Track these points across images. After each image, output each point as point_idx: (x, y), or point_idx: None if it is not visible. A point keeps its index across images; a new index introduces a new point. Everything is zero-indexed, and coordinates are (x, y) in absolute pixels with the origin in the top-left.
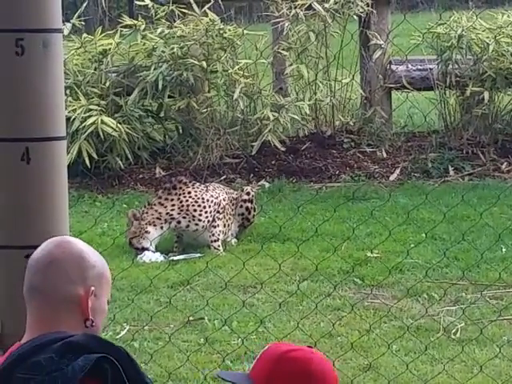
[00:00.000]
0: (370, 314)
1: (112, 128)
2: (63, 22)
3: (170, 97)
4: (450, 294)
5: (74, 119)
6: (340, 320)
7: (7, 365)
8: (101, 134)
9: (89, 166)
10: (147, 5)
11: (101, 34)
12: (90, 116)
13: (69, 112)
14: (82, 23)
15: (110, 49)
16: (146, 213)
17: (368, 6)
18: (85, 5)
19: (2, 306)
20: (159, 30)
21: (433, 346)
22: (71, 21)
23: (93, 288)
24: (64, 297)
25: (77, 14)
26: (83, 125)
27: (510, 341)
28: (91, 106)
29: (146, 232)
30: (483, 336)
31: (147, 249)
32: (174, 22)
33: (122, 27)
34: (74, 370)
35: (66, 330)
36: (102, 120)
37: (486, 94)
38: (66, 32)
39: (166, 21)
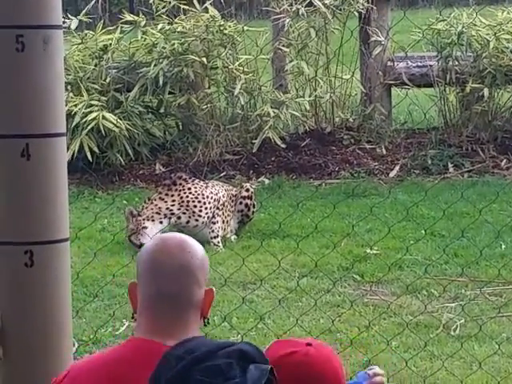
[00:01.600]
0: (369, 310)
1: (113, 124)
2: (68, 17)
3: (170, 93)
4: (450, 290)
5: (75, 115)
6: (339, 316)
7: (186, 364)
8: (102, 129)
9: (91, 161)
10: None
11: (101, 29)
12: (91, 112)
13: (70, 107)
14: (90, 20)
15: (110, 44)
16: (146, 208)
17: (368, 3)
18: (92, 3)
19: (2, 300)
20: (160, 26)
21: (432, 343)
22: (78, 17)
23: (214, 289)
24: (195, 300)
25: (84, 11)
26: (84, 120)
27: (509, 338)
28: (92, 102)
29: (144, 228)
30: (482, 333)
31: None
32: (175, 17)
33: (122, 23)
34: (253, 379)
35: (191, 331)
36: (103, 116)
37: (486, 91)
38: (73, 26)
39: (167, 17)
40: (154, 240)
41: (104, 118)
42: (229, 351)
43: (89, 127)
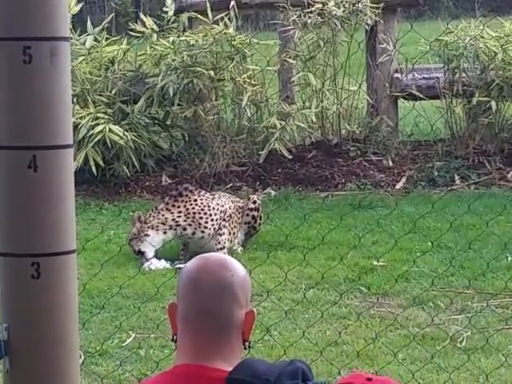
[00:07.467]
0: (375, 322)
1: (119, 136)
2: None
3: (177, 105)
4: (456, 302)
5: (82, 127)
6: (346, 328)
7: None
8: (108, 141)
9: (95, 174)
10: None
11: (107, 40)
12: (97, 124)
13: (76, 119)
14: (106, 36)
15: (117, 56)
16: (153, 217)
17: (376, 16)
18: (108, 18)
19: (8, 313)
20: (169, 39)
21: (439, 355)
22: (94, 34)
23: (255, 310)
24: (235, 320)
25: (100, 26)
26: (90, 133)
27: None
28: (99, 114)
29: (146, 235)
30: (489, 345)
31: (144, 253)
32: (184, 29)
33: (129, 34)
34: None
35: (235, 352)
36: (109, 128)
37: (494, 104)
38: (87, 44)
39: (175, 29)
40: (195, 259)
41: (110, 130)
42: (291, 371)
43: (95, 140)
